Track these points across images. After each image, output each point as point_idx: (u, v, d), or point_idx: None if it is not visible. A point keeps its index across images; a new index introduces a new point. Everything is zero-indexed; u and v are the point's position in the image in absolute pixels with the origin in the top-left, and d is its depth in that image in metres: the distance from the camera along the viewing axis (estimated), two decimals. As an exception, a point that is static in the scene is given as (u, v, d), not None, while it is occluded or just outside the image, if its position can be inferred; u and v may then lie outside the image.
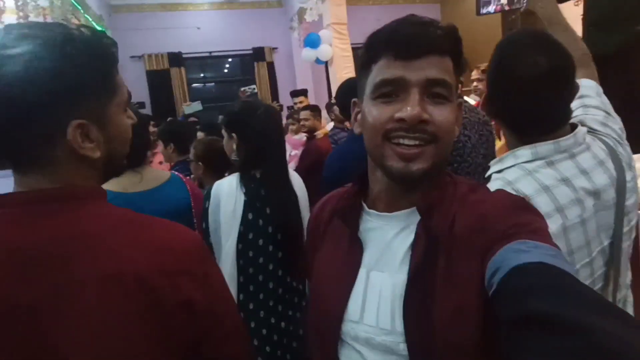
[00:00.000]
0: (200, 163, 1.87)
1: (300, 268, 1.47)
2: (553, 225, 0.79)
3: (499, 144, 3.25)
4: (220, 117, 3.26)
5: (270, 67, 7.60)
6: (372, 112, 0.60)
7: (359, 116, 0.66)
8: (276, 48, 7.64)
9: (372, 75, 0.61)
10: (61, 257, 0.54)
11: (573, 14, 2.44)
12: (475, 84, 3.38)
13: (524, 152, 0.86)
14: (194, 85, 7.68)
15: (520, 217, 0.55)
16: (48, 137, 0.56)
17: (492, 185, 0.85)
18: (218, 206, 1.40)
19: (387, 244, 0.64)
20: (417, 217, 0.63)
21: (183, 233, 0.65)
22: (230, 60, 8.05)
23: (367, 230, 0.67)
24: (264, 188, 1.44)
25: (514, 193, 0.77)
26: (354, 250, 0.66)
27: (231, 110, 1.57)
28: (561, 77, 0.83)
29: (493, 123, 3.16)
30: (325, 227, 0.74)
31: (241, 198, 1.40)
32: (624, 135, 1.00)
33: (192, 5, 7.15)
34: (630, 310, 0.97)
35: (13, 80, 0.52)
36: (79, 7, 5.08)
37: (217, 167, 1.86)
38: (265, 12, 7.59)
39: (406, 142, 0.57)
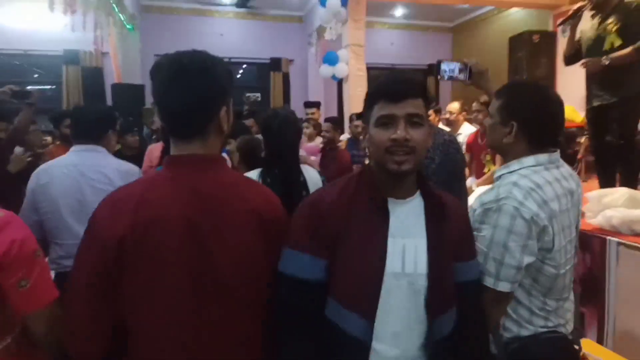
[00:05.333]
0: (237, 153, 2.21)
1: None
2: (555, 207, 1.16)
3: (493, 168, 3.56)
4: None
5: (285, 77, 7.98)
6: (376, 135, 0.95)
7: (367, 136, 1.00)
8: (292, 60, 8.03)
9: (374, 111, 0.96)
10: (219, 197, 0.88)
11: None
12: (475, 114, 3.70)
13: (529, 160, 1.21)
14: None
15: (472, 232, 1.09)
16: (213, 115, 0.90)
17: (510, 179, 1.18)
18: None
19: (405, 220, 0.98)
20: (420, 202, 1.00)
21: (273, 193, 1.00)
22: (244, 66, 8.43)
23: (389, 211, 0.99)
24: (279, 182, 1.71)
25: (530, 183, 1.15)
26: (382, 224, 0.96)
27: (263, 116, 1.90)
28: (563, 112, 1.27)
29: (489, 151, 3.46)
30: (347, 212, 0.97)
31: None
32: None
33: (219, 12, 7.58)
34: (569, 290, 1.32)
35: (216, 80, 0.89)
36: (115, 7, 5.43)
37: (249, 161, 2.19)
38: (286, 26, 8.01)
39: (398, 152, 0.92)
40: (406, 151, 0.92)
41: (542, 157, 1.21)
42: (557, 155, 1.25)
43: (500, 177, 1.24)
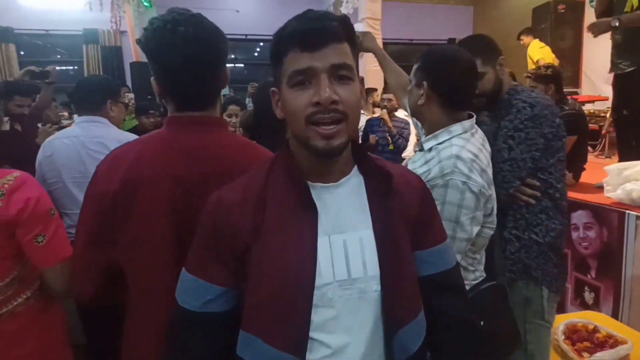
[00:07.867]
0: (241, 129, 2.19)
1: None
2: (490, 173, 1.17)
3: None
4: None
5: (302, 54, 7.86)
6: (291, 99, 0.69)
7: (279, 103, 0.74)
8: (309, 36, 7.89)
9: (285, 67, 0.70)
10: (213, 155, 0.90)
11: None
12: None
13: (457, 127, 1.18)
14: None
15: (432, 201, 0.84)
16: (222, 82, 0.94)
17: (450, 151, 1.12)
18: None
19: (341, 209, 0.73)
20: (360, 181, 0.76)
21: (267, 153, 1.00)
22: (261, 44, 8.34)
23: (317, 200, 0.72)
24: None
25: (469, 154, 1.12)
26: (308, 220, 0.71)
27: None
28: (474, 75, 1.24)
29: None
30: (256, 215, 0.72)
31: None
32: None
33: (234, -12, 7.50)
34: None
35: (226, 44, 0.91)
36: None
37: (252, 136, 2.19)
38: (303, 0, 7.84)
39: (324, 121, 0.67)
40: (335, 118, 0.67)
41: (467, 124, 1.20)
42: (474, 120, 1.23)
43: (431, 149, 1.20)
